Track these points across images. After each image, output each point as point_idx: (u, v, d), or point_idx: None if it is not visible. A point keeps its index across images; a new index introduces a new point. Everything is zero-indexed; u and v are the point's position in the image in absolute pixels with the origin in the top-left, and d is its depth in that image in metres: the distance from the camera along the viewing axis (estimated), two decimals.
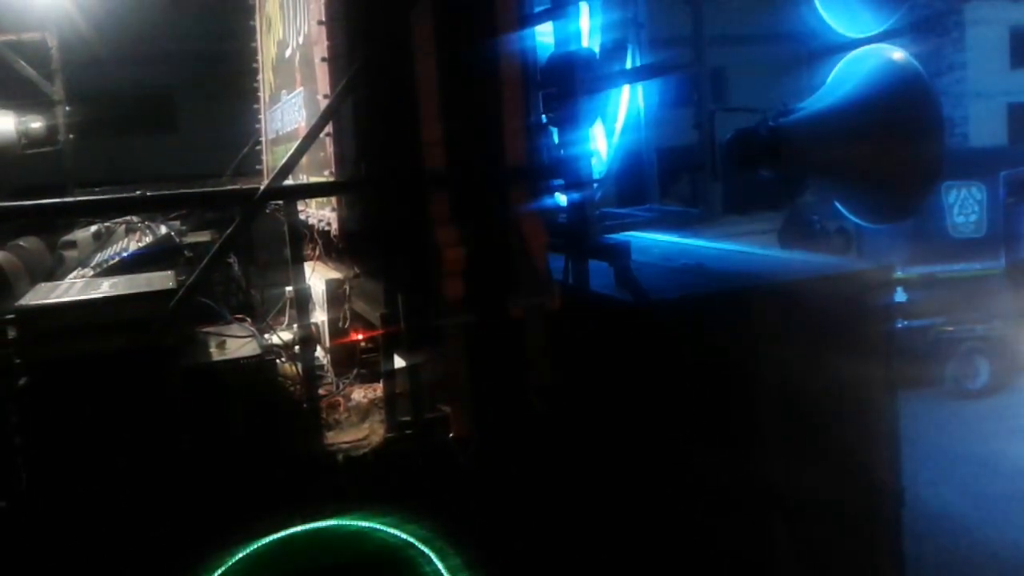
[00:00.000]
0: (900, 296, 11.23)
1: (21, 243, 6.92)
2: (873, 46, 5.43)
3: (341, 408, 5.03)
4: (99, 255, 6.47)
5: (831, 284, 4.93)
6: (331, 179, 4.78)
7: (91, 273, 5.85)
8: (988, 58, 18.42)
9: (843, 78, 5.44)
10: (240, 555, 3.96)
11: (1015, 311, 11.27)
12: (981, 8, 18.30)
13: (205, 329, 4.89)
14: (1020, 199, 11.52)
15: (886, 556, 4.94)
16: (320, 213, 5.26)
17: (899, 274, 10.84)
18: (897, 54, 5.25)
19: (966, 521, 7.86)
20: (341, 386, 5.27)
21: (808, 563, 4.69)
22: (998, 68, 18.55)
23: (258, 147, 8.05)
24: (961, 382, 11.37)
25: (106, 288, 4.53)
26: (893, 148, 5.12)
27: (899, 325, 10.50)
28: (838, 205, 5.75)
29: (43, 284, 5.07)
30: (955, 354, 11.37)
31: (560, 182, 4.95)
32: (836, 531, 4.76)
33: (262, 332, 5.20)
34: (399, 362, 4.64)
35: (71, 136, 9.81)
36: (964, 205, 11.68)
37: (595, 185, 5.29)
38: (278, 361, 4.99)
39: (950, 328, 11.48)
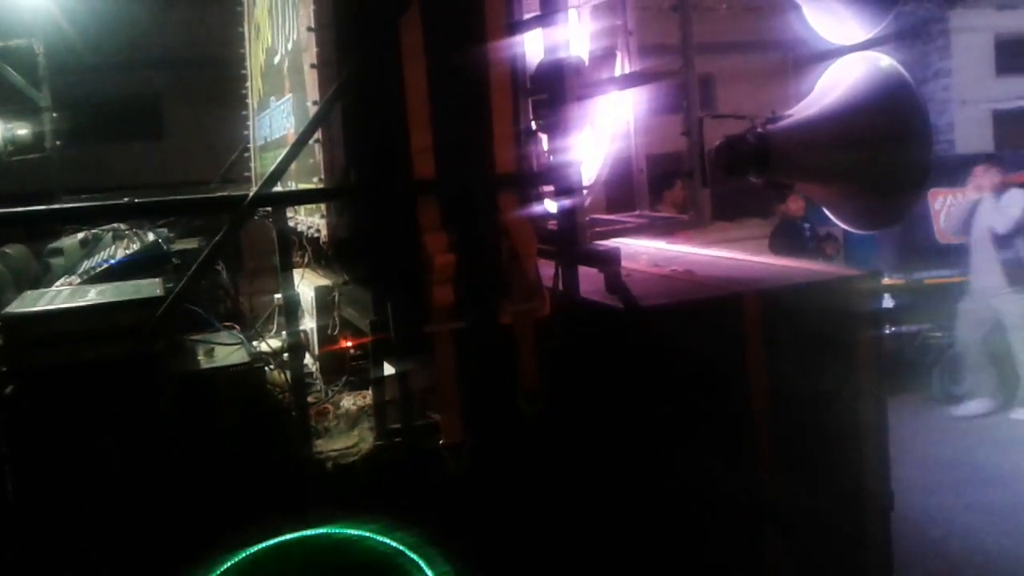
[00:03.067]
0: (887, 302, 11.27)
1: (7, 250, 6.89)
2: (860, 53, 5.46)
3: (330, 415, 5.02)
4: (86, 262, 6.44)
5: (820, 290, 4.95)
6: (320, 186, 4.77)
7: (78, 281, 5.83)
8: (974, 65, 18.52)
9: (830, 85, 5.46)
10: (228, 564, 3.94)
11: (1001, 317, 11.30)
12: (966, 15, 18.40)
13: (193, 337, 4.87)
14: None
15: (874, 562, 4.95)
16: (309, 220, 5.25)
17: (886, 280, 10.89)
18: (884, 61, 5.28)
19: (955, 527, 7.87)
20: (330, 393, 5.26)
21: (797, 570, 4.69)
22: (983, 75, 18.65)
23: (246, 154, 8.03)
24: (948, 388, 11.40)
25: (93, 296, 4.51)
26: (880, 154, 5.14)
27: (886, 331, 10.53)
28: (826, 211, 5.77)
29: (29, 292, 5.03)
30: (942, 360, 11.41)
31: (550, 189, 4.95)
32: (825, 537, 4.77)
33: (251, 339, 5.18)
34: (388, 369, 4.63)
35: (58, 143, 9.80)
36: (950, 212, 11.75)
37: (585, 192, 5.30)
38: (267, 368, 4.97)
39: (937, 334, 11.52)
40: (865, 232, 7.20)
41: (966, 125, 18.00)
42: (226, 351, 4.68)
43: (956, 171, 11.49)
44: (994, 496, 8.44)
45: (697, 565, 4.50)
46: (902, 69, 5.18)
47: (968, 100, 18.20)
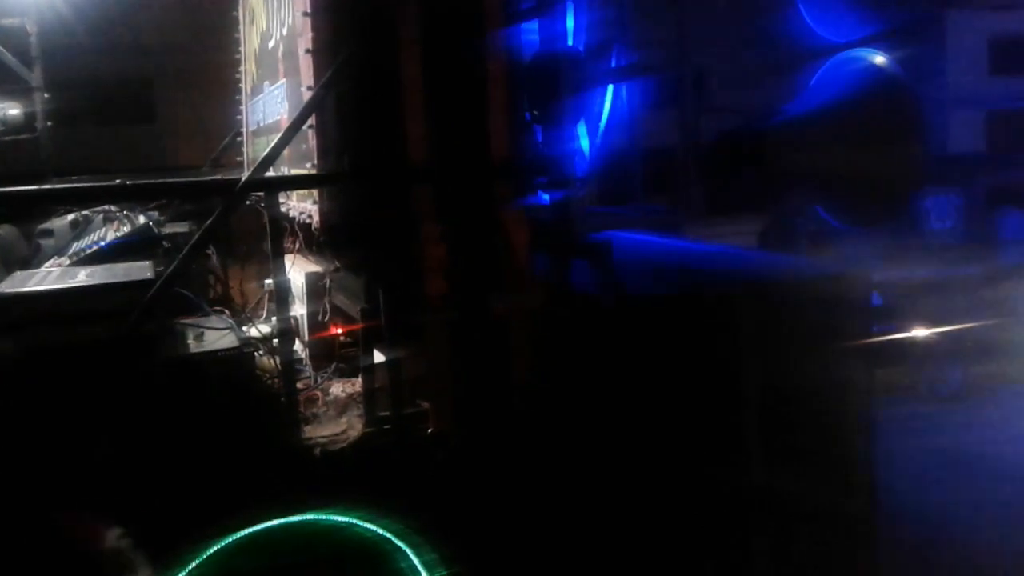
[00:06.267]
0: (877, 300, 11.29)
1: None
2: (856, 50, 5.47)
3: (319, 402, 5.02)
4: (76, 244, 6.41)
5: (811, 287, 4.96)
6: (313, 172, 4.76)
7: (68, 262, 5.80)
8: (968, 65, 18.55)
9: (826, 81, 5.47)
10: (215, 548, 3.93)
11: (991, 316, 11.37)
12: (961, 15, 18.42)
13: (183, 320, 4.86)
14: (997, 206, 11.63)
15: (863, 557, 4.97)
16: (301, 206, 5.24)
17: (877, 278, 10.91)
18: (879, 59, 5.29)
19: (959, 523, 7.87)
20: (319, 380, 5.25)
21: (787, 564, 4.71)
22: (977, 75, 18.68)
23: (239, 138, 8.01)
24: (937, 387, 11.45)
25: (83, 277, 4.49)
26: (875, 152, 5.15)
27: (876, 329, 10.56)
28: (819, 208, 5.78)
29: (19, 272, 5.02)
30: (931, 359, 11.45)
31: (544, 180, 4.95)
32: (815, 532, 4.78)
33: (240, 324, 5.17)
34: (378, 357, 4.63)
35: (49, 123, 9.73)
36: (942, 211, 11.79)
37: (579, 184, 5.29)
38: (256, 354, 4.96)
39: (926, 333, 11.57)
40: (858, 230, 7.22)
41: (959, 125, 18.03)
42: (216, 335, 4.67)
43: (949, 171, 11.54)
44: (986, 491, 8.45)
45: (684, 555, 4.51)
46: (898, 67, 5.20)
47: (961, 100, 18.23)
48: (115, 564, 2.73)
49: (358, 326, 4.72)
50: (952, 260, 11.30)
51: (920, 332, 11.53)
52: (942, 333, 11.30)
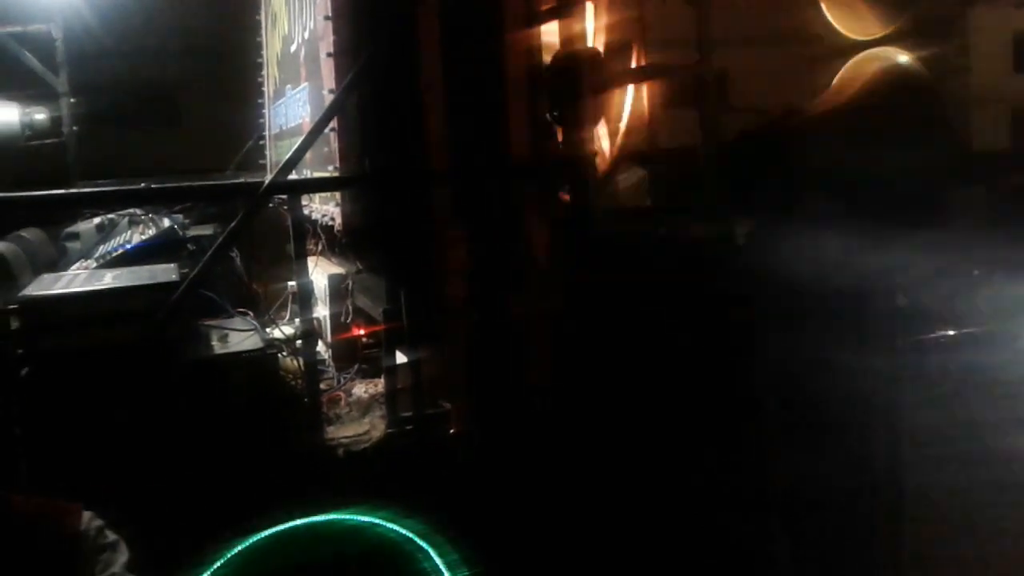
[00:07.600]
0: (901, 296, 11.19)
1: (24, 234, 6.92)
2: (878, 49, 5.43)
3: (342, 403, 5.04)
4: (102, 247, 6.48)
5: (835, 282, 4.93)
6: (335, 174, 4.78)
7: (94, 265, 5.86)
8: (991, 63, 18.36)
9: (848, 81, 5.44)
10: (238, 548, 3.96)
11: (1011, 312, 11.25)
12: (985, 13, 18.25)
13: (208, 322, 4.90)
14: (1020, 204, 11.50)
15: (885, 549, 4.93)
16: (324, 208, 5.27)
17: (900, 275, 10.81)
18: (903, 57, 5.25)
19: (970, 514, 7.75)
20: (342, 381, 5.28)
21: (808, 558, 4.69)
22: (1001, 73, 18.50)
23: (261, 142, 8.07)
24: (959, 381, 11.33)
25: (109, 280, 4.54)
26: (898, 151, 5.12)
27: (900, 325, 10.47)
28: (843, 208, 5.75)
29: (46, 275, 5.07)
30: (953, 354, 11.34)
31: (564, 181, 4.95)
32: (835, 524, 4.75)
33: (264, 326, 5.20)
34: (400, 358, 4.65)
35: (75, 128, 9.85)
36: (967, 209, 11.66)
37: (599, 184, 5.29)
38: (280, 355, 4.99)
39: (949, 330, 11.45)
40: (882, 228, 7.16)
41: (982, 124, 17.84)
42: (240, 337, 4.70)
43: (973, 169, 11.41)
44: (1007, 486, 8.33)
45: (705, 551, 4.50)
46: (921, 66, 5.16)
47: (985, 98, 18.05)
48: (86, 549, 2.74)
49: (380, 327, 4.73)
50: (977, 259, 11.19)
51: (944, 332, 11.43)
52: (966, 333, 11.19)
